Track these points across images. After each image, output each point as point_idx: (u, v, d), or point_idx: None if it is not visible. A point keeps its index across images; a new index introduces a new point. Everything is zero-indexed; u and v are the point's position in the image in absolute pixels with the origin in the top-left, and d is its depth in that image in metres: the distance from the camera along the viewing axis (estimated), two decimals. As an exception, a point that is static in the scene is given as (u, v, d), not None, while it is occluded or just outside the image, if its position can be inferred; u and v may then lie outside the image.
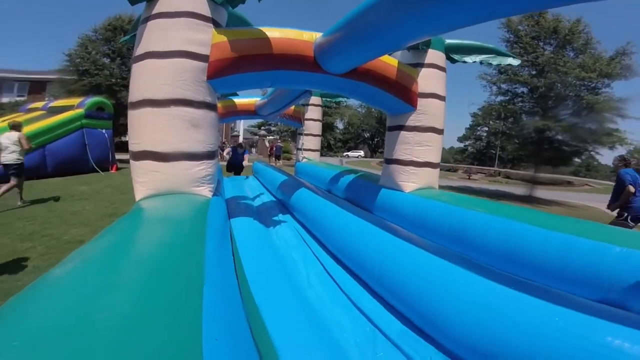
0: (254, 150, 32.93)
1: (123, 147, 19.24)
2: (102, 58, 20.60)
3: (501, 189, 17.05)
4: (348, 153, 49.64)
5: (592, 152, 13.75)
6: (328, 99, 7.82)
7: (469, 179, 23.40)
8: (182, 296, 1.01)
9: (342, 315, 2.13)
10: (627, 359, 1.20)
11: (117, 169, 13.09)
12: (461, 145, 52.46)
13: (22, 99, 24.99)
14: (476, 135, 47.90)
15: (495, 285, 1.72)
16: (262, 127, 42.27)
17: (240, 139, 35.87)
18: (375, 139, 57.08)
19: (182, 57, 2.40)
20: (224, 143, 25.64)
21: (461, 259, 2.09)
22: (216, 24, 2.59)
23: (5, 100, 25.76)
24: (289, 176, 6.01)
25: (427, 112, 3.34)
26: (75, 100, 12.80)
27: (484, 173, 29.16)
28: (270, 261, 2.64)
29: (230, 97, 6.73)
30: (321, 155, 8.28)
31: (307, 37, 2.81)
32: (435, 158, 3.49)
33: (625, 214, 4.59)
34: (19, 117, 12.04)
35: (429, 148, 3.39)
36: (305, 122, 7.64)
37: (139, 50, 2.47)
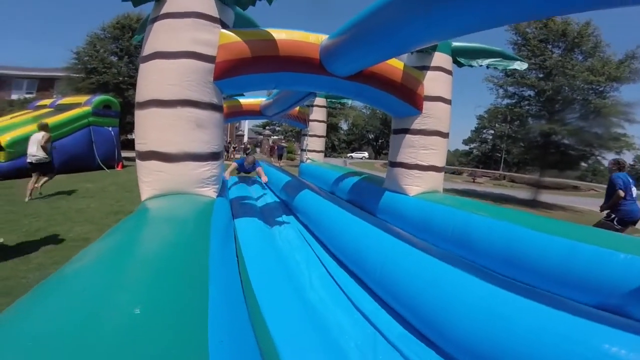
0: (258, 150, 33.01)
1: (129, 144, 19.42)
2: (110, 56, 20.75)
3: (506, 193, 16.93)
4: (352, 154, 49.57)
5: (598, 157, 13.62)
6: (333, 100, 7.83)
7: (473, 182, 23.29)
8: (188, 297, 1.02)
9: (344, 318, 2.14)
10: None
11: (123, 166, 13.20)
12: (466, 147, 52.27)
13: (30, 96, 25.21)
14: (482, 138, 47.66)
15: (496, 289, 1.73)
16: (267, 127, 42.37)
17: (245, 139, 35.97)
18: (380, 140, 56.97)
19: (189, 57, 2.41)
20: (229, 142, 25.73)
21: (462, 263, 2.09)
22: (223, 25, 2.60)
23: (14, 97, 26.04)
24: (292, 177, 6.02)
25: (433, 115, 3.33)
26: (82, 98, 12.93)
27: (489, 176, 29.00)
28: (273, 262, 2.64)
29: (236, 97, 6.75)
30: (325, 156, 8.27)
31: (313, 40, 2.81)
32: (440, 162, 3.48)
33: (613, 216, 4.79)
34: (27, 114, 12.21)
35: (434, 152, 3.38)
36: (310, 123, 7.65)
37: (147, 50, 2.48)
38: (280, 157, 21.30)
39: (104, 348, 0.70)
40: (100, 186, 9.14)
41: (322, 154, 7.94)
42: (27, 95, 25.68)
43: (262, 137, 37.96)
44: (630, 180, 4.86)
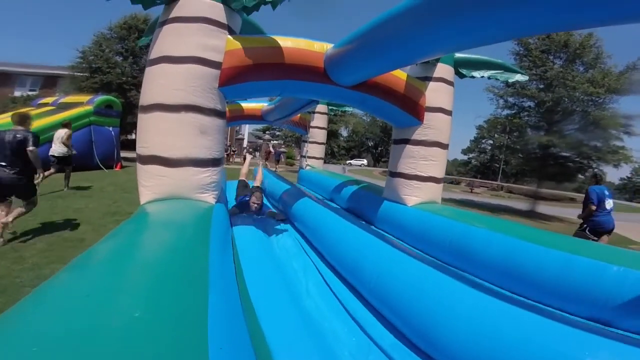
0: (257, 154, 33.02)
1: (129, 144, 19.36)
2: (115, 56, 20.74)
3: (503, 204, 16.97)
4: (351, 161, 49.58)
5: (596, 170, 13.68)
6: (334, 108, 7.86)
7: (471, 192, 23.33)
8: (188, 302, 1.03)
9: (339, 325, 2.14)
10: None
11: (122, 167, 13.17)
12: (465, 157, 52.43)
13: (33, 93, 25.18)
14: (480, 148, 47.83)
15: (489, 300, 1.73)
16: (267, 132, 42.40)
17: (245, 143, 35.98)
18: (379, 148, 57.07)
19: (195, 63, 2.43)
20: (229, 146, 25.77)
21: (455, 274, 2.10)
22: (231, 31, 2.62)
23: (17, 94, 26.00)
24: (290, 185, 6.02)
25: (434, 126, 3.36)
26: (84, 97, 12.92)
27: (487, 186, 29.07)
28: (270, 269, 2.64)
29: (238, 101, 6.78)
30: (324, 162, 8.29)
31: (318, 48, 2.84)
32: (440, 173, 3.50)
33: (585, 226, 5.11)
34: (31, 112, 12.18)
35: (433, 163, 3.41)
36: (311, 129, 7.68)
37: (154, 54, 2.50)
38: (277, 162, 21.86)
39: (105, 351, 0.70)
40: (98, 186, 9.09)
41: (321, 161, 7.96)
42: (30, 93, 25.65)
43: (261, 141, 37.99)
44: (607, 193, 5.13)
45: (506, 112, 15.35)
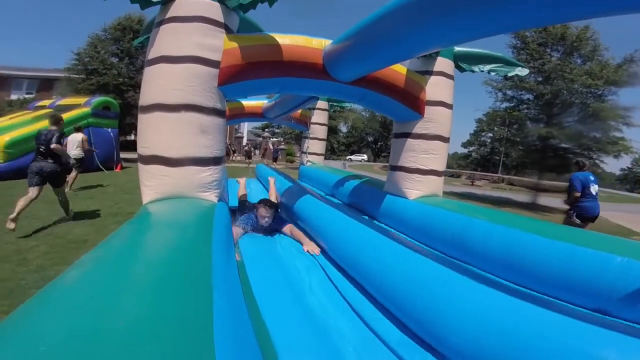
0: (257, 152, 33.02)
1: (128, 146, 19.40)
2: (111, 57, 20.75)
3: (504, 196, 16.98)
4: (351, 157, 49.63)
5: (596, 161, 13.69)
6: (334, 104, 7.85)
7: (472, 185, 23.34)
8: (193, 301, 1.03)
9: (343, 322, 2.12)
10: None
11: (122, 168, 13.19)
12: (465, 151, 52.42)
13: (30, 96, 25.20)
14: (480, 141, 47.81)
15: (495, 293, 1.71)
16: (267, 129, 42.36)
17: (244, 141, 35.97)
18: (379, 143, 57.05)
19: (194, 62, 2.42)
20: (229, 144, 25.82)
21: (461, 268, 2.09)
22: (228, 30, 2.61)
23: (14, 97, 26.00)
24: (292, 181, 6.02)
25: (434, 120, 3.36)
26: (82, 99, 12.93)
27: (488, 179, 29.07)
28: (273, 267, 2.65)
29: (238, 99, 6.78)
30: (324, 158, 8.29)
31: (316, 44, 2.83)
32: (441, 166, 3.51)
33: (572, 212, 5.35)
34: (27, 115, 12.22)
35: (434, 156, 3.41)
36: (311, 125, 7.67)
37: (152, 54, 2.49)
38: (275, 160, 22.48)
39: (112, 351, 0.70)
40: (99, 188, 9.14)
41: (322, 157, 7.96)
42: (27, 96, 25.67)
43: (261, 139, 37.96)
44: (592, 179, 5.32)
45: (505, 105, 15.36)
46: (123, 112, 14.14)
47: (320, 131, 7.79)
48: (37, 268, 3.59)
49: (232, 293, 1.39)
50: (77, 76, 19.73)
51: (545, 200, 14.10)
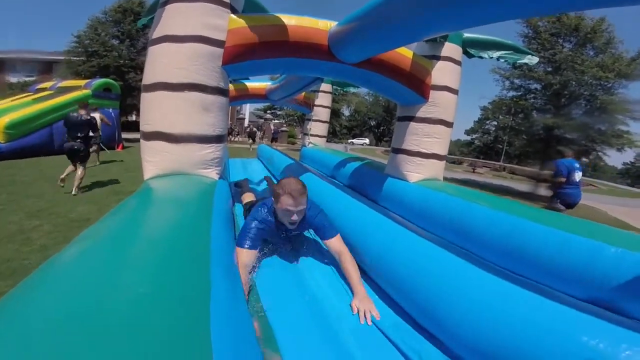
0: (259, 133, 32.88)
1: (129, 126, 19.37)
2: (111, 40, 20.59)
3: (505, 184, 16.98)
4: (353, 140, 49.36)
5: (600, 153, 13.63)
6: (338, 87, 7.79)
7: (473, 172, 23.34)
8: (192, 279, 1.04)
9: (340, 303, 2.10)
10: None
11: (123, 147, 13.26)
12: (468, 138, 52.05)
13: (31, 79, 25.05)
14: (484, 129, 47.41)
15: (492, 279, 1.73)
16: (269, 111, 42.01)
17: (246, 122, 35.77)
18: (381, 128, 56.62)
19: (198, 42, 2.41)
20: (232, 126, 25.81)
21: (459, 252, 2.10)
22: (233, 10, 2.59)
23: (14, 80, 25.87)
24: (292, 160, 6.03)
25: (439, 104, 3.34)
26: (82, 81, 13.02)
27: (489, 167, 29.00)
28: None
29: (242, 81, 6.75)
30: (326, 141, 8.30)
31: (322, 26, 2.79)
32: (443, 150, 3.51)
33: (555, 198, 5.58)
34: (28, 97, 12.28)
35: (437, 140, 3.40)
36: (315, 108, 7.64)
37: (157, 34, 2.48)
38: (274, 140, 23.33)
39: (111, 326, 0.71)
40: (101, 167, 9.19)
41: (324, 139, 7.95)
42: (27, 79, 25.52)
43: (262, 120, 37.68)
44: (577, 166, 5.51)
45: (512, 93, 15.20)
46: (124, 93, 14.12)
47: (323, 113, 7.75)
48: (41, 248, 3.61)
49: (229, 271, 1.41)
50: (78, 58, 19.65)
51: (545, 190, 14.10)
